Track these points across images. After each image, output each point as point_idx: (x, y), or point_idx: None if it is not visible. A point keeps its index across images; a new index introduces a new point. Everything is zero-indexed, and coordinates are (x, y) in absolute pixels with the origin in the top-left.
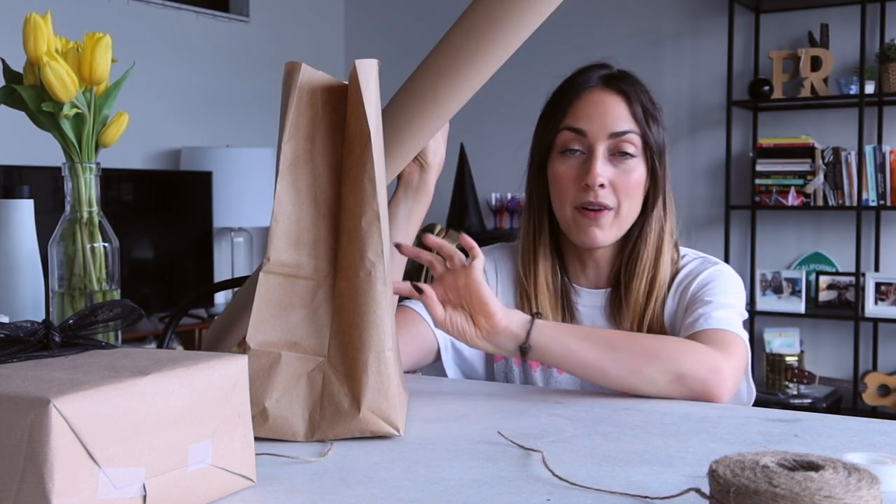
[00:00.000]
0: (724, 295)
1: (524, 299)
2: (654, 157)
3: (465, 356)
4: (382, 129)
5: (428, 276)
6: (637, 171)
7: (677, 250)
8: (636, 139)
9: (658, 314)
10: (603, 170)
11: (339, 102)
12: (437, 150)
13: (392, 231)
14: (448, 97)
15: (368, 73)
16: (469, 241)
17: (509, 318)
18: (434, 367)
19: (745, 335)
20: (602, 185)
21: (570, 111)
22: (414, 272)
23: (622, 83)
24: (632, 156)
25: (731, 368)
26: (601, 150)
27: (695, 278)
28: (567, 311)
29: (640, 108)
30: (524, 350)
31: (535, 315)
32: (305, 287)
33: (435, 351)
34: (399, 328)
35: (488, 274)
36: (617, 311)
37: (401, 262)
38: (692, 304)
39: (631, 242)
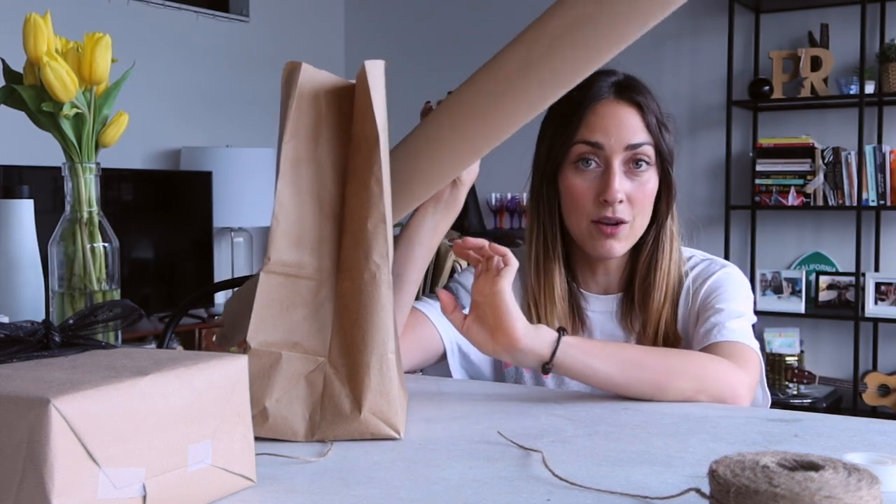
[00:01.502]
0: (734, 301)
1: (533, 306)
2: (666, 165)
3: (473, 360)
4: (416, 152)
5: (428, 274)
6: (651, 182)
7: (688, 260)
8: (650, 150)
9: (671, 320)
10: (621, 185)
11: (345, 102)
12: (472, 167)
13: (416, 241)
14: (490, 135)
15: (377, 73)
16: (500, 249)
17: (532, 337)
18: (439, 367)
19: (757, 344)
20: (620, 201)
21: (583, 123)
22: None
23: (634, 93)
24: (646, 167)
25: (748, 386)
26: (618, 163)
27: (705, 282)
28: (578, 318)
29: (654, 118)
30: (546, 369)
31: (561, 331)
32: (307, 287)
33: (440, 353)
34: (405, 329)
35: None
36: (628, 316)
37: (422, 269)
38: (704, 311)
39: (647, 251)
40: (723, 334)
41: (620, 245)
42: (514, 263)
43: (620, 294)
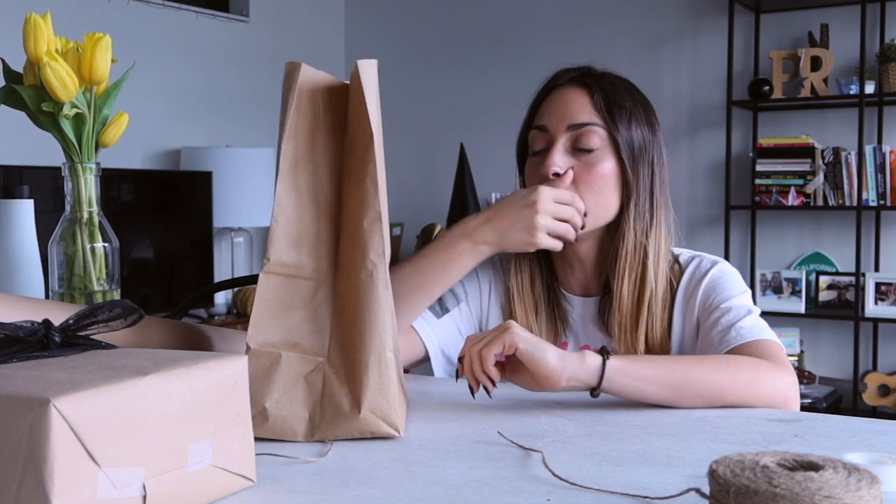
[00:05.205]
0: (738, 297)
1: (515, 309)
2: (622, 154)
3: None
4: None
5: None
6: (602, 164)
7: (678, 262)
8: (600, 131)
9: (661, 329)
10: (559, 160)
11: (340, 102)
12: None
13: (458, 275)
14: None
15: (369, 72)
16: (488, 355)
17: (574, 370)
18: (423, 368)
19: (776, 335)
20: (557, 175)
21: (538, 111)
22: None
23: (590, 78)
24: (595, 150)
25: (794, 386)
26: (560, 142)
27: (700, 283)
28: (560, 321)
29: (605, 101)
30: (594, 394)
31: (605, 354)
32: (306, 287)
33: (422, 356)
34: None
35: (482, 288)
36: (610, 320)
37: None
38: (709, 313)
39: (612, 246)
40: (742, 335)
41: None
42: (516, 343)
43: (600, 296)
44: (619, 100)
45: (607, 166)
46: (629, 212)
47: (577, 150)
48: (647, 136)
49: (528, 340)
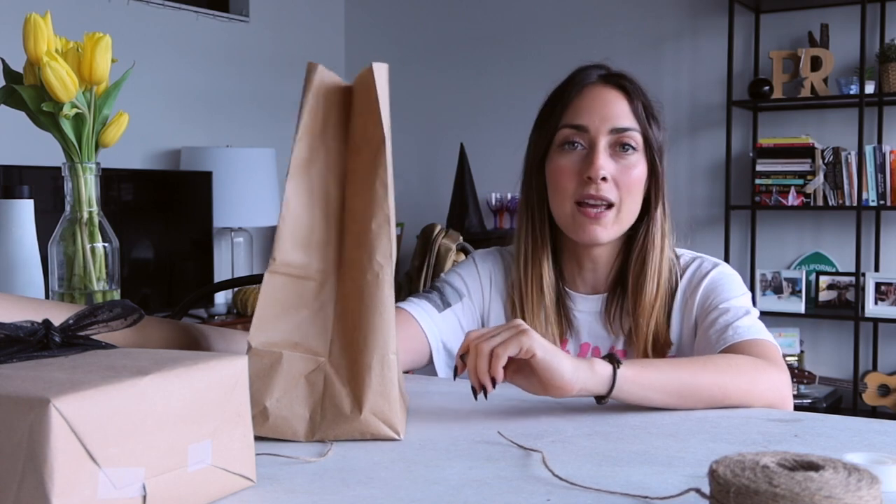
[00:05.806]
0: (737, 298)
1: (518, 303)
2: (655, 155)
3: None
4: None
5: (428, 274)
6: (639, 167)
7: (679, 262)
8: (637, 136)
9: (662, 323)
10: (605, 163)
11: (349, 105)
12: None
13: None
14: None
15: (382, 76)
16: (499, 364)
17: (585, 379)
18: (427, 367)
19: (772, 336)
20: (604, 179)
21: (569, 108)
22: (414, 273)
23: (622, 80)
24: (633, 152)
25: (789, 385)
26: (603, 144)
27: (700, 283)
28: (564, 317)
29: (642, 105)
30: (602, 402)
31: (615, 363)
32: (310, 288)
33: (427, 353)
34: None
35: (483, 282)
36: (616, 317)
37: None
38: (707, 313)
39: (638, 244)
40: (739, 334)
41: (605, 230)
42: (533, 349)
43: (606, 294)
44: (650, 104)
45: (642, 169)
46: (656, 213)
47: (617, 152)
48: (664, 137)
49: (545, 348)
